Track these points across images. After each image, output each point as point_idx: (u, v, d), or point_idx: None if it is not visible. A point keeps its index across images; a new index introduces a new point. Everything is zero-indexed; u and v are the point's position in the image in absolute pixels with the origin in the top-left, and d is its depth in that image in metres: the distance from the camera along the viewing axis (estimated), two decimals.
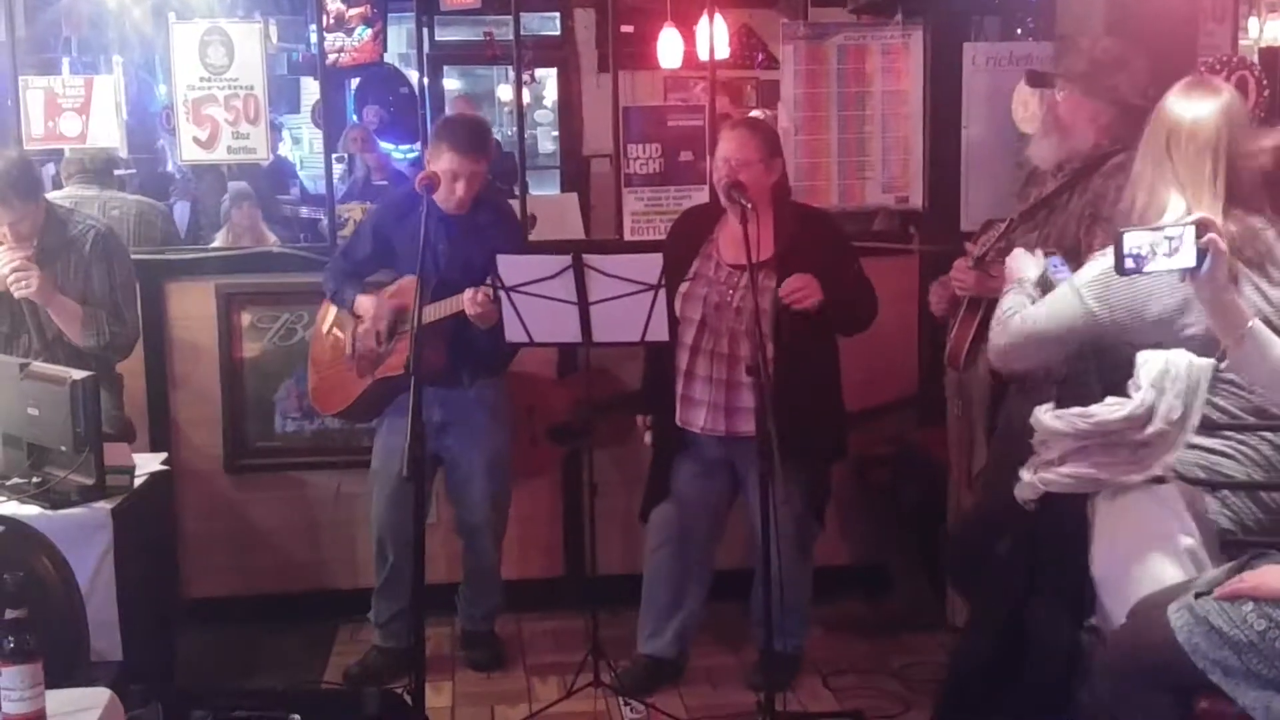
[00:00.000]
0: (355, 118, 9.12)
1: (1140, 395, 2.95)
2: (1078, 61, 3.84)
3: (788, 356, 4.08)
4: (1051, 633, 3.38)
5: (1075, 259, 3.68)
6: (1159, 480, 2.95)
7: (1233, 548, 2.90)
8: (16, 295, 4.20)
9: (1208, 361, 2.92)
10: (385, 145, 9.21)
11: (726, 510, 4.44)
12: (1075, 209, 3.72)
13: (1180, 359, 2.93)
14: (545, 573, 5.15)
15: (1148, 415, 2.94)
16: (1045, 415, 3.11)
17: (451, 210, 4.34)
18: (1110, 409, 3.00)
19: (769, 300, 4.07)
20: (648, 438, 4.51)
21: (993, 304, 3.87)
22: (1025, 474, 3.18)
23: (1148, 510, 2.96)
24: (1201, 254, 2.64)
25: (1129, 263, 2.66)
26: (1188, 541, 2.90)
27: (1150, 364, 2.95)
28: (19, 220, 4.22)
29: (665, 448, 4.39)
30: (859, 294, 4.25)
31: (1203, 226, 2.66)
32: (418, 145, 6.17)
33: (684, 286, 4.23)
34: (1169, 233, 2.66)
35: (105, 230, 4.48)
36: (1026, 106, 4.60)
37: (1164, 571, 2.88)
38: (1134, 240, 2.66)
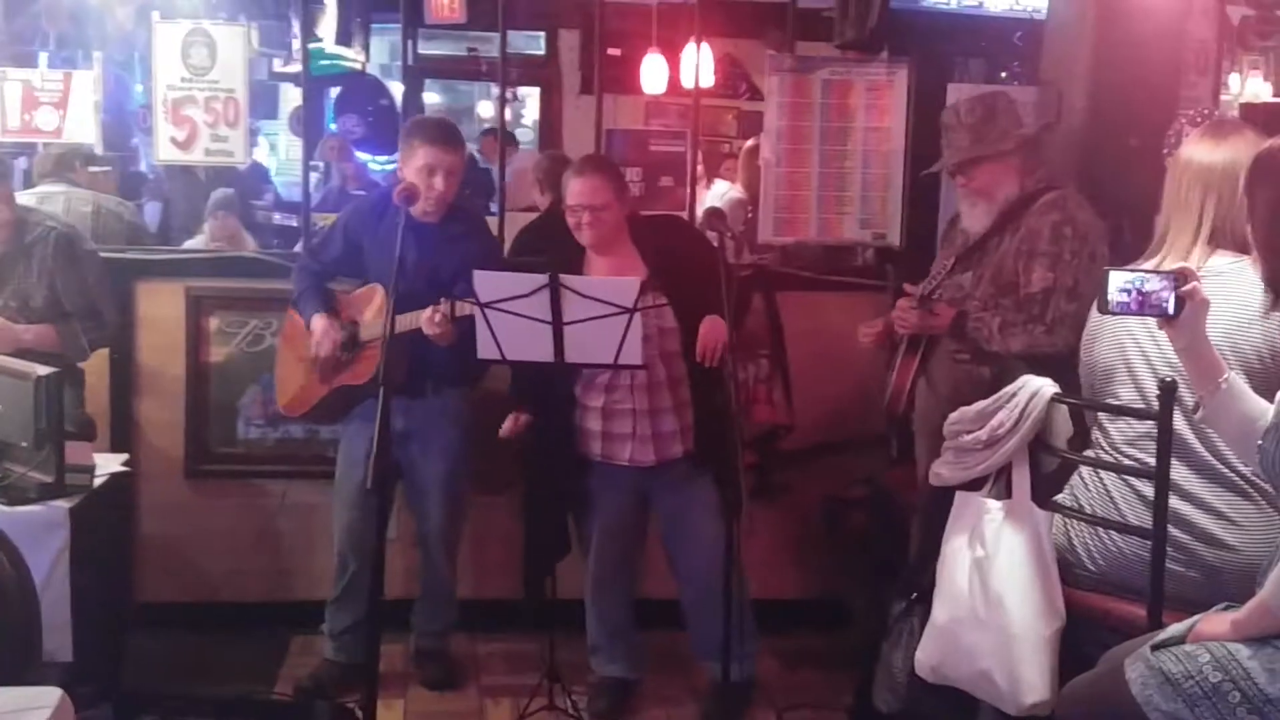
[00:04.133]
0: (333, 126, 9.09)
1: (984, 404, 3.24)
2: (960, 138, 3.87)
3: (695, 371, 4.09)
4: None
5: (1013, 293, 3.76)
6: (980, 482, 3.24)
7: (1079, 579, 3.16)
8: None
9: (1048, 391, 3.14)
10: (362, 155, 9.16)
11: (646, 520, 4.42)
12: (1009, 247, 3.83)
13: (1035, 383, 3.17)
14: (502, 593, 5.10)
15: (983, 421, 3.22)
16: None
17: (430, 210, 4.26)
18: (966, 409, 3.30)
19: (669, 316, 4.08)
20: (508, 423, 4.37)
21: (933, 342, 3.93)
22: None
23: None
24: (1180, 303, 2.66)
25: (1113, 302, 2.67)
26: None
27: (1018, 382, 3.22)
28: None
29: (554, 488, 4.35)
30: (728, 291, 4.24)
31: (1183, 275, 2.67)
32: (395, 156, 6.14)
33: None
34: (1152, 277, 2.67)
35: (65, 230, 4.40)
36: None
37: None
38: (1119, 280, 2.67)
